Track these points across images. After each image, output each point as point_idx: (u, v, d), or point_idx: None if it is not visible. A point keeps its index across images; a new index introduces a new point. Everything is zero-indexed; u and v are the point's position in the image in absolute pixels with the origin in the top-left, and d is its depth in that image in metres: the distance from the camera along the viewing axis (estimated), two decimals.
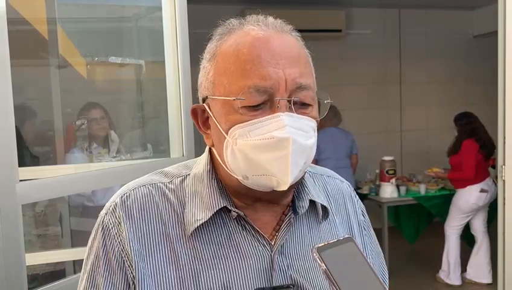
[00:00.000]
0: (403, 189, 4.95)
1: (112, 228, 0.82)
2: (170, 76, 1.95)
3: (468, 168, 4.41)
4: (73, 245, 2.93)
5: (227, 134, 0.78)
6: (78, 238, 2.82)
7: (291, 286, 0.74)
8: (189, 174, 0.88)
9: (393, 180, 4.86)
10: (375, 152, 5.51)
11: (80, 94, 2.84)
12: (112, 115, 2.91)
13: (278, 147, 0.75)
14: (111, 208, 0.84)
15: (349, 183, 1.01)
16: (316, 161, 4.75)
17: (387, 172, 4.85)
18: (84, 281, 0.83)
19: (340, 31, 6.20)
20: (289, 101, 0.76)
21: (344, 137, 4.90)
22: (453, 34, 6.78)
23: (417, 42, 6.67)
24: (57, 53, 2.59)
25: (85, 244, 0.86)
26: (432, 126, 6.65)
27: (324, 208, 0.88)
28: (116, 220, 0.82)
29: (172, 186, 0.86)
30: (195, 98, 0.92)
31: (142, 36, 2.64)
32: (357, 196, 1.00)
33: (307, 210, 0.86)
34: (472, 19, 6.80)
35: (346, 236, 0.69)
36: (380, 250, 1.01)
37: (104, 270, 0.80)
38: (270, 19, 0.83)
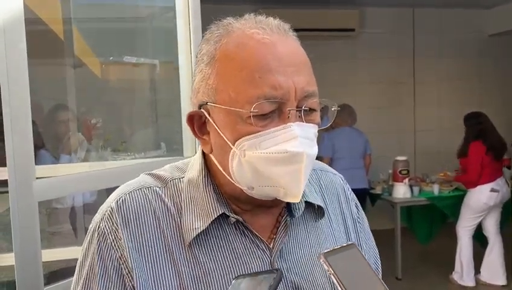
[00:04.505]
0: (416, 189, 4.92)
1: (108, 234, 0.78)
2: (184, 75, 1.97)
3: (472, 170, 4.39)
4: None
5: (233, 145, 0.75)
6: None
7: (274, 271, 0.74)
8: (182, 178, 0.85)
9: (406, 180, 4.83)
10: (388, 152, 5.48)
11: (94, 93, 2.87)
12: (126, 114, 2.92)
13: (291, 161, 0.74)
14: (107, 213, 0.80)
15: (341, 176, 0.99)
16: (330, 159, 4.76)
17: (400, 172, 4.82)
18: (79, 287, 0.80)
19: (353, 30, 6.18)
20: (298, 110, 0.75)
21: (358, 137, 4.89)
22: (468, 33, 6.71)
23: (431, 41, 6.62)
24: (72, 53, 2.62)
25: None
26: (446, 126, 6.59)
27: (320, 207, 0.87)
28: (114, 227, 0.79)
29: (168, 191, 0.83)
30: None
31: (157, 36, 2.66)
32: (350, 189, 0.98)
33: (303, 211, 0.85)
34: (487, 18, 6.73)
35: (350, 243, 0.72)
36: (374, 244, 0.99)
37: (99, 278, 0.77)
38: (271, 20, 0.79)
